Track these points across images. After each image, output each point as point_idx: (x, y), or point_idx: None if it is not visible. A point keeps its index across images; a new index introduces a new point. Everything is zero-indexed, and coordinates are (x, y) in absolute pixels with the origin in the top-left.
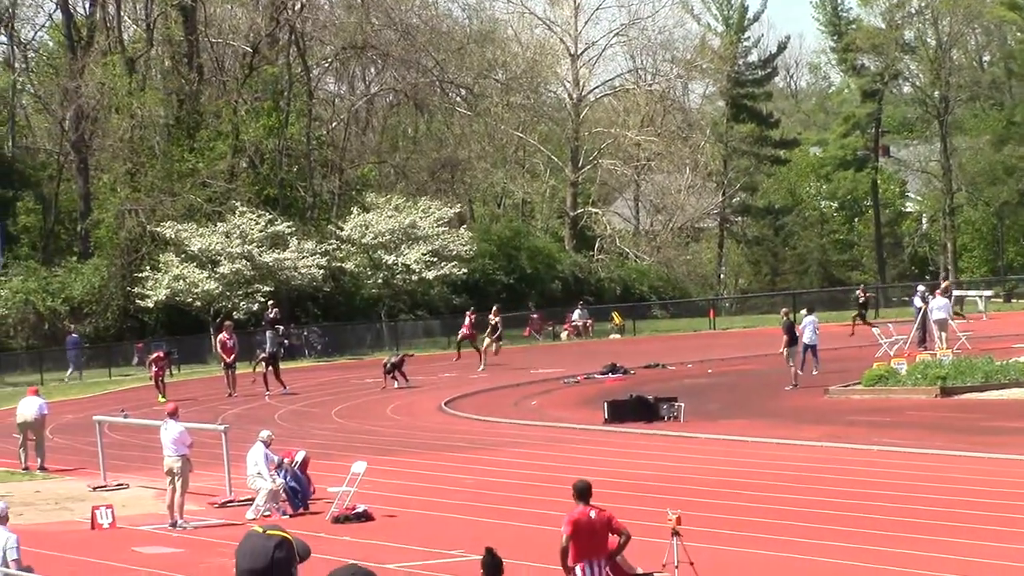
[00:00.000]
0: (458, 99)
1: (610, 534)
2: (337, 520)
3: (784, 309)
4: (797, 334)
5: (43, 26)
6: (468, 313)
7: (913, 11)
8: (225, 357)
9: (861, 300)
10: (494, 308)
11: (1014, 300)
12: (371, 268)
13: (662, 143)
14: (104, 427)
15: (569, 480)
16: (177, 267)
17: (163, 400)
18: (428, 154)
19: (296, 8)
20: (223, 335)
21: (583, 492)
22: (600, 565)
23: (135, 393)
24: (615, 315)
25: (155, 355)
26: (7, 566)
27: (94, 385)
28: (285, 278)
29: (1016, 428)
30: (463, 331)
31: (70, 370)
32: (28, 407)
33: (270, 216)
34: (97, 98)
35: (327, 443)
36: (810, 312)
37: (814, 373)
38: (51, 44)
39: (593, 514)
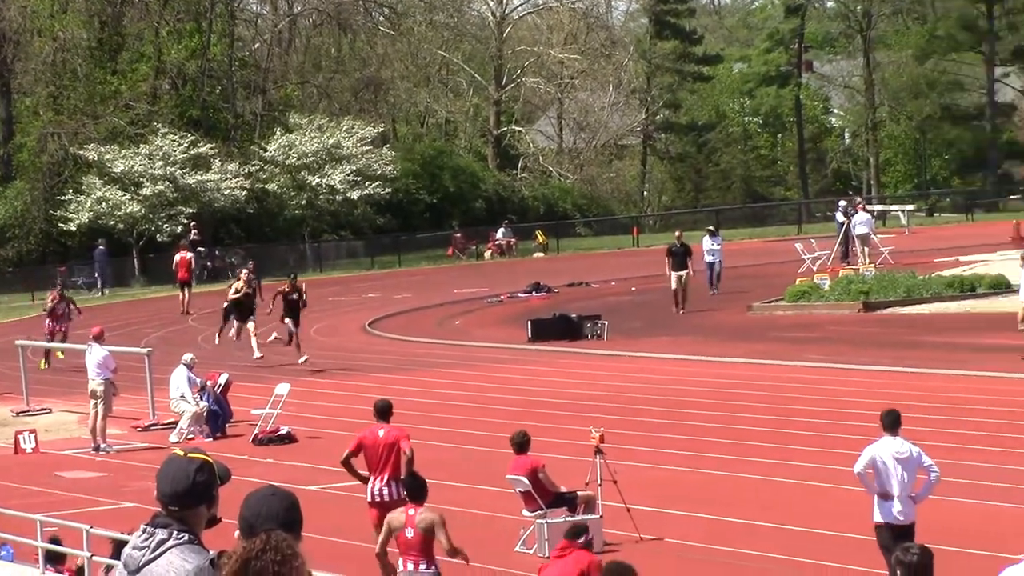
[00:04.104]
0: (381, 18)
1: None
2: (260, 442)
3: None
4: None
5: None
6: None
7: None
8: (183, 275)
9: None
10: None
11: (936, 214)
12: (295, 189)
13: (585, 61)
14: (27, 351)
15: (494, 399)
16: (100, 190)
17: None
18: (351, 74)
19: None
20: (185, 252)
21: (381, 411)
22: (393, 483)
23: None
24: (539, 233)
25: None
26: None
27: (16, 309)
28: (208, 200)
29: (938, 342)
30: None
31: (99, 283)
32: None
33: (193, 138)
34: (19, 21)
35: (251, 365)
36: (715, 233)
37: (712, 293)
38: None
39: (382, 433)
